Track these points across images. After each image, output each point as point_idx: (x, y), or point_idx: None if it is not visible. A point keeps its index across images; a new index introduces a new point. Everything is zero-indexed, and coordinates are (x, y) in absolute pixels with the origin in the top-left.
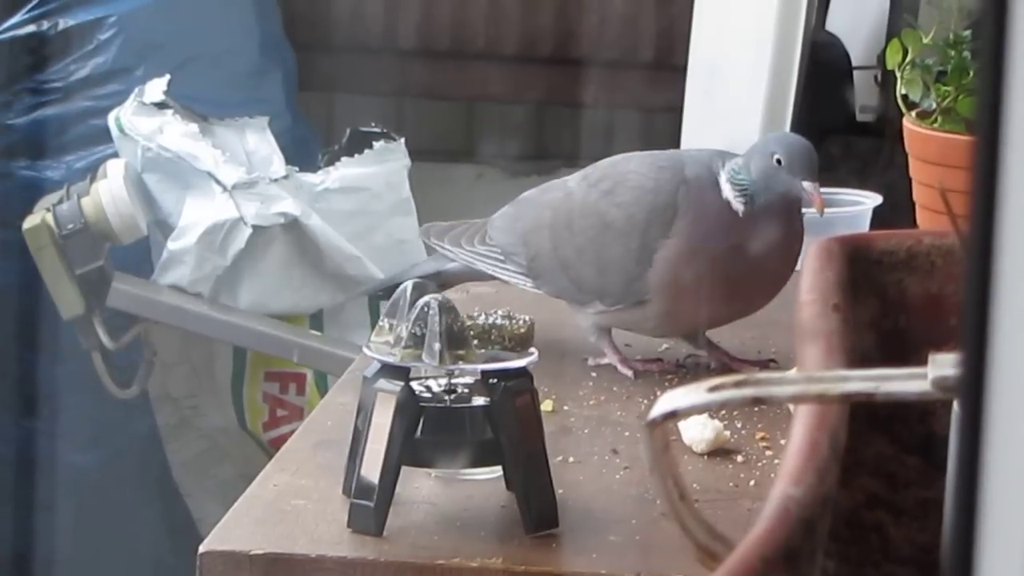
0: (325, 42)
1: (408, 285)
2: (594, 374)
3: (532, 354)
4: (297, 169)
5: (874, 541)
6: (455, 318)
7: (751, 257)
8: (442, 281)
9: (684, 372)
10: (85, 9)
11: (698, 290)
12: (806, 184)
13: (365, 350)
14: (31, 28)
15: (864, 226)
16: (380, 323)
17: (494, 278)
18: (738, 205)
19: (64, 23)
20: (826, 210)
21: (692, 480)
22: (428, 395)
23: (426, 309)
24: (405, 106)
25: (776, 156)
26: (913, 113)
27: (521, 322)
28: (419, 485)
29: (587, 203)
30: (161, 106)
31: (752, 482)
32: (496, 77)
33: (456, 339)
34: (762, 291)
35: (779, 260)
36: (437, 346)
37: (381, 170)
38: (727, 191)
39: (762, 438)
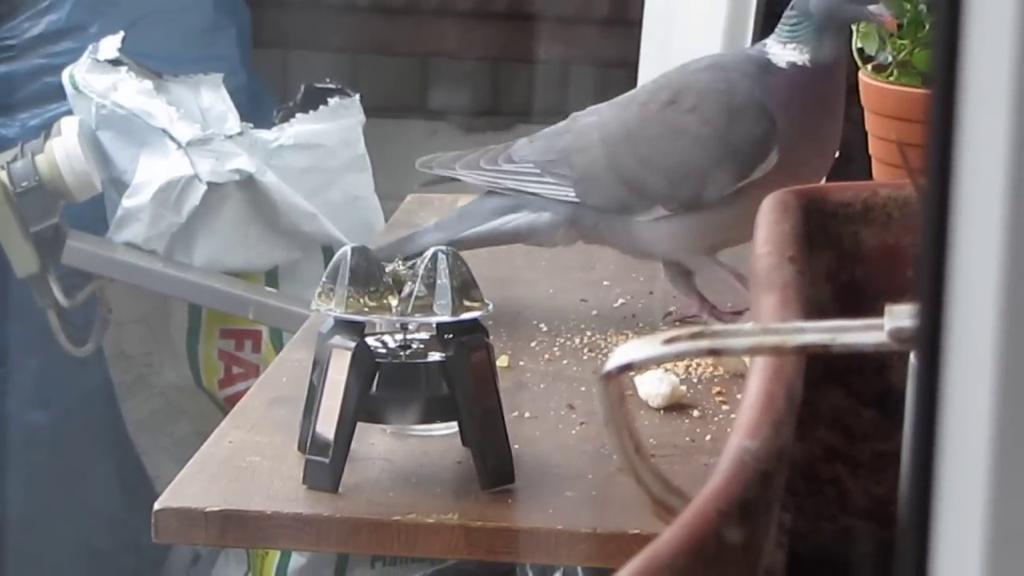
0: None
1: (347, 249)
2: (544, 328)
3: (488, 305)
4: (252, 126)
5: (831, 494)
6: (465, 269)
7: (829, 105)
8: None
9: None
10: None
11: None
12: (872, 8)
13: (319, 306)
14: None
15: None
16: (322, 287)
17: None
18: (803, 59)
19: None
20: None
21: (648, 435)
22: (383, 351)
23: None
24: (360, 62)
25: None
26: (869, 67)
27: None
28: (375, 441)
29: (657, 114)
30: (115, 63)
31: (708, 437)
32: (450, 33)
33: (466, 288)
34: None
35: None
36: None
37: (336, 126)
38: (784, 57)
39: (718, 393)
